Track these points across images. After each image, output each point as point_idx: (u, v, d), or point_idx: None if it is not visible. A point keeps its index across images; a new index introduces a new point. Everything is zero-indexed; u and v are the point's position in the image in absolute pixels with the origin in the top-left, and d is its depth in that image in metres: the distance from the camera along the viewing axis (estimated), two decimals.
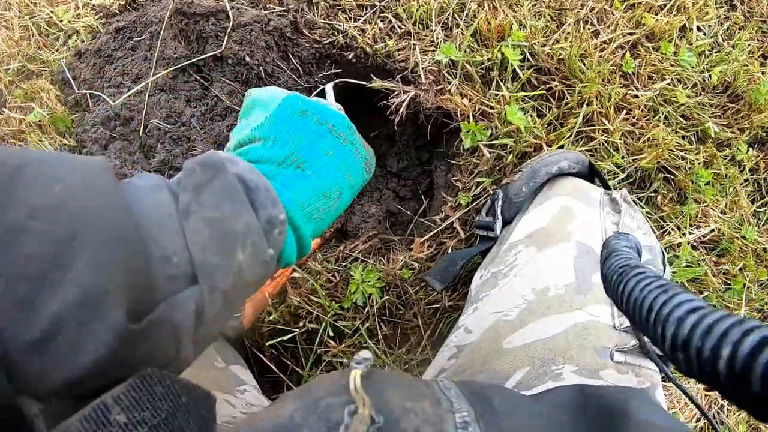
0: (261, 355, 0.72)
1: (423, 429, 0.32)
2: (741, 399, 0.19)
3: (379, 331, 0.76)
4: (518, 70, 0.75)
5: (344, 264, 0.75)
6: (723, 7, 0.88)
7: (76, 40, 0.92)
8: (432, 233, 0.74)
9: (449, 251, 0.73)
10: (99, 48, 0.84)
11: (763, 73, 0.84)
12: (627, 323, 0.49)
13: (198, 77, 0.73)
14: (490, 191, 0.72)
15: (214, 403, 0.34)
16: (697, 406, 0.50)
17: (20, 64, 0.93)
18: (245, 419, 0.39)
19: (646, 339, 0.47)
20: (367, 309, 0.73)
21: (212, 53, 0.71)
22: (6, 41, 0.95)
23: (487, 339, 0.54)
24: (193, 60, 0.72)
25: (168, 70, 0.73)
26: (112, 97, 0.76)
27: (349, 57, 0.77)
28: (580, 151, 0.75)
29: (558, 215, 0.58)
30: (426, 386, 0.38)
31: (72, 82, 0.85)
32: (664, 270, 0.59)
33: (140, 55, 0.79)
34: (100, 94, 0.79)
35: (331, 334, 0.71)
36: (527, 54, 0.76)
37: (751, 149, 0.82)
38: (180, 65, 0.73)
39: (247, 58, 0.72)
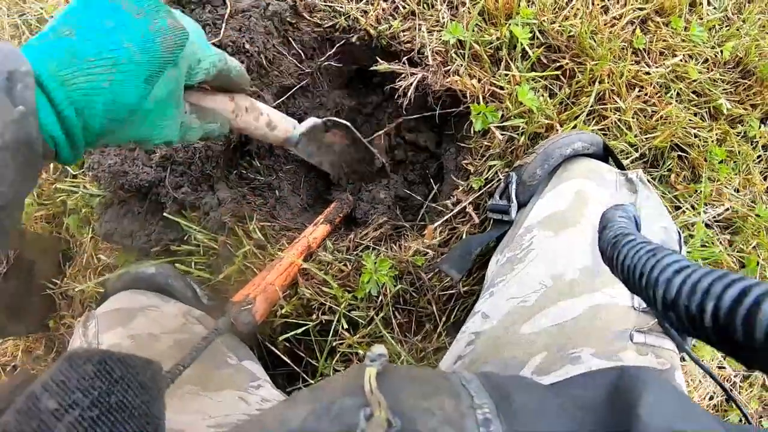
0: (275, 349, 0.71)
1: (442, 430, 0.31)
2: (730, 349, 0.20)
3: (393, 320, 0.75)
4: (528, 49, 0.73)
5: (356, 253, 0.74)
6: None
7: None
8: (444, 219, 0.72)
9: (463, 236, 0.72)
10: None
11: None
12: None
13: None
14: (502, 174, 0.71)
15: (159, 369, 0.33)
16: (718, 383, 0.50)
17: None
18: (254, 420, 0.37)
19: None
20: (380, 298, 0.72)
21: (210, 42, 0.69)
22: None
23: (504, 325, 0.53)
24: None
25: None
26: None
27: (353, 40, 0.75)
28: (592, 130, 0.74)
29: (573, 198, 0.57)
30: (444, 379, 0.37)
31: None
32: (680, 250, 0.58)
33: None
34: None
35: (345, 325, 0.70)
36: (536, 32, 0.74)
37: (763, 126, 0.81)
38: None
39: (247, 45, 0.69)
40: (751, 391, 0.86)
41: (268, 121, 0.56)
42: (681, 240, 0.58)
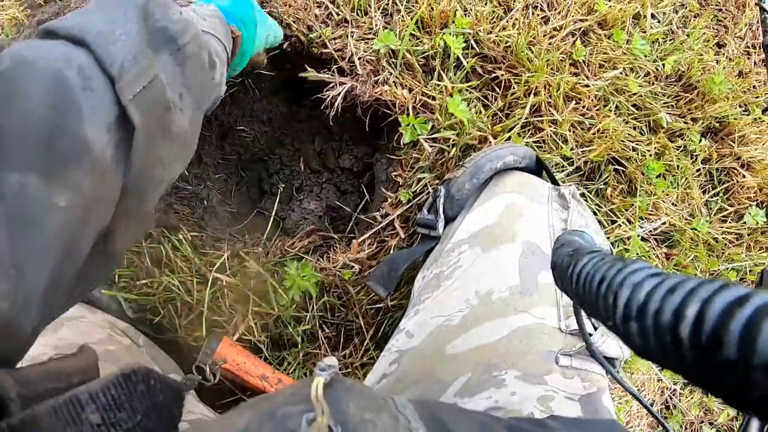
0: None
1: None
2: (709, 372, 0.15)
3: (321, 333, 0.73)
4: (462, 59, 0.71)
5: (281, 262, 0.72)
6: None
7: None
8: (372, 231, 0.71)
9: (391, 250, 0.70)
10: None
11: (717, 62, 0.82)
12: (573, 326, 0.47)
13: None
14: (431, 188, 0.69)
15: (184, 399, 0.34)
16: (644, 405, 0.49)
17: None
18: (197, 427, 0.37)
19: (592, 339, 0.46)
20: (307, 314, 0.70)
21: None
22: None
23: (429, 344, 0.52)
24: None
25: None
26: None
27: (284, 46, 0.73)
28: (527, 143, 0.72)
29: (504, 213, 0.56)
30: (384, 401, 0.37)
31: None
32: None
33: None
34: None
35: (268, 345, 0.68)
36: (472, 42, 0.72)
37: (703, 139, 0.80)
38: None
39: None
40: (691, 398, 0.86)
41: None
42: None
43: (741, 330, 0.14)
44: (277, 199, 0.80)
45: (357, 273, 0.71)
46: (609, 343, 0.48)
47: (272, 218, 0.76)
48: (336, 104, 0.68)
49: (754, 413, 0.15)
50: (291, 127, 0.87)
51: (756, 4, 0.69)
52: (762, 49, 0.58)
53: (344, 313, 0.72)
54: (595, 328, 0.49)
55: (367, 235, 0.70)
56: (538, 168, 0.67)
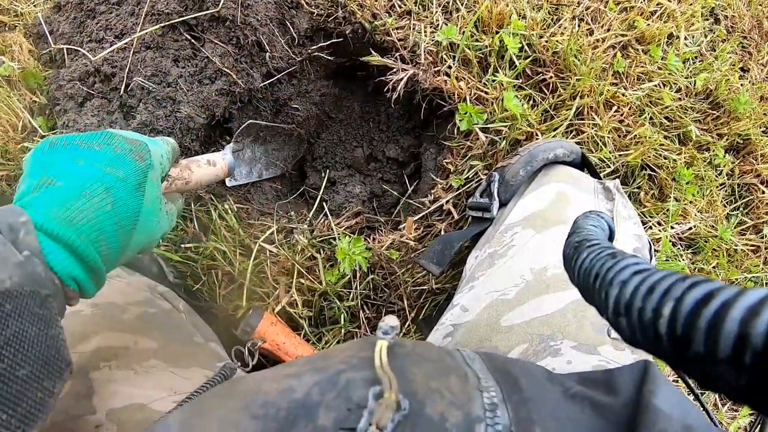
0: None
1: (449, 413, 0.29)
2: (685, 363, 0.17)
3: (361, 313, 0.74)
4: (515, 59, 0.75)
5: (327, 241, 0.73)
6: (708, 20, 0.92)
7: None
8: (420, 215, 0.73)
9: (440, 233, 0.72)
10: (80, 1, 0.79)
11: (741, 84, 0.88)
12: None
13: (189, 36, 0.70)
14: (482, 175, 0.72)
15: (46, 296, 0.33)
16: (687, 385, 0.51)
17: None
18: (248, 382, 0.34)
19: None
20: (352, 291, 0.71)
21: (210, 11, 0.68)
22: None
23: (484, 317, 0.53)
24: (187, 17, 0.69)
25: (157, 26, 0.69)
26: (93, 52, 0.71)
27: (347, 31, 0.76)
28: None
29: (555, 200, 0.59)
30: (451, 358, 0.36)
31: (48, 36, 0.80)
32: (651, 260, 0.60)
33: (127, 10, 0.75)
34: (79, 49, 0.74)
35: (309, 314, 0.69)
36: (524, 44, 0.76)
37: (727, 155, 0.86)
38: (171, 22, 0.69)
39: (246, 20, 0.69)
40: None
41: (207, 160, 0.56)
42: (652, 250, 0.61)
43: (706, 327, 0.15)
44: (325, 180, 0.81)
45: (402, 255, 0.73)
46: None
47: (319, 197, 0.77)
48: (399, 89, 0.70)
49: (723, 393, 0.16)
50: (341, 112, 0.89)
51: None
52: None
53: (387, 294, 0.74)
54: None
55: (417, 218, 0.72)
56: (582, 165, 0.71)
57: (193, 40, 0.70)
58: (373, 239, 0.74)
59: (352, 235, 0.73)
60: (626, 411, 0.33)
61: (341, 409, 0.28)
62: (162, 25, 0.69)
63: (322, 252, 0.72)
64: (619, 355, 0.46)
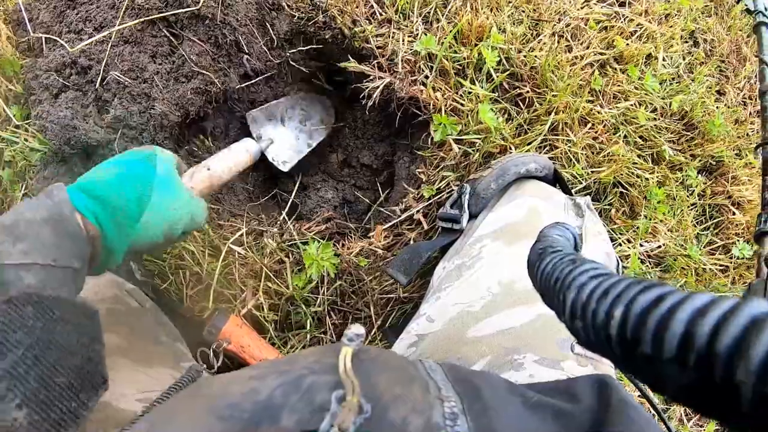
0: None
1: (411, 419, 0.30)
2: (634, 365, 0.17)
3: (328, 319, 0.74)
4: (492, 72, 0.76)
5: (296, 245, 0.73)
6: (687, 42, 0.93)
7: None
8: (391, 223, 0.73)
9: (409, 243, 0.72)
10: None
11: (717, 107, 0.90)
12: None
13: (168, 33, 0.70)
14: (454, 186, 0.72)
15: (95, 313, 0.35)
16: (648, 400, 0.52)
17: None
18: (214, 384, 0.35)
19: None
20: (318, 296, 0.71)
21: (190, 9, 0.68)
22: None
23: (450, 329, 0.54)
24: (166, 14, 0.69)
25: (136, 21, 0.69)
26: (71, 43, 0.71)
27: (326, 36, 0.76)
28: None
29: (526, 214, 0.59)
30: (413, 367, 0.37)
31: (27, 23, 0.79)
32: (619, 272, 0.60)
33: (107, 2, 0.75)
34: (58, 39, 0.74)
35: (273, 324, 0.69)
36: (503, 58, 0.77)
37: (700, 175, 0.87)
38: (150, 17, 0.69)
39: (225, 20, 0.69)
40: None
41: (225, 150, 0.62)
42: (620, 267, 0.61)
43: (654, 328, 0.16)
44: (297, 184, 0.81)
45: (371, 263, 0.73)
46: None
47: (290, 201, 0.77)
48: (374, 96, 0.71)
49: (682, 404, 0.16)
50: None
51: (755, 56, 0.77)
52: (758, 97, 0.64)
53: (354, 301, 0.74)
54: None
55: (386, 226, 0.72)
56: (554, 180, 0.71)
57: (171, 37, 0.70)
58: (342, 245, 0.73)
59: (321, 240, 0.73)
60: (588, 416, 0.34)
61: (304, 411, 0.29)
62: (141, 20, 0.69)
63: (290, 256, 0.72)
64: (582, 371, 0.47)
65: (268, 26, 0.74)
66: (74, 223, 0.40)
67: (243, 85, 0.74)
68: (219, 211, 0.76)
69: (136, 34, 0.70)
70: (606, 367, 0.50)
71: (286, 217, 0.77)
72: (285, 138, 0.80)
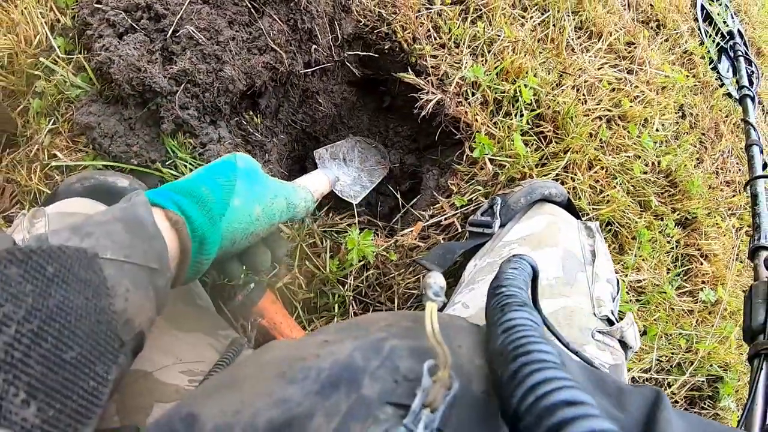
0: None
1: (493, 393, 0.27)
2: None
3: (350, 308, 0.78)
4: (523, 109, 0.86)
5: (331, 233, 0.78)
6: (678, 113, 1.09)
7: None
8: (424, 225, 0.79)
9: (436, 244, 0.79)
10: None
11: (695, 172, 1.05)
12: (604, 312, 0.58)
13: (250, 3, 0.73)
14: (482, 200, 0.80)
15: (94, 255, 0.29)
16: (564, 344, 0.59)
17: None
18: (283, 347, 0.32)
19: (619, 325, 0.57)
20: (348, 281, 0.76)
21: None
22: None
23: (483, 314, 0.59)
24: None
25: None
26: None
27: (385, 47, 0.83)
28: None
29: (547, 227, 0.68)
30: (478, 328, 0.35)
31: None
32: (617, 293, 0.70)
33: None
34: None
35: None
36: (533, 98, 0.88)
37: (677, 227, 1.00)
38: None
39: (307, 7, 0.73)
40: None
41: (314, 176, 0.69)
42: (618, 284, 0.71)
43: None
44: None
45: (399, 258, 0.78)
46: (630, 332, 0.60)
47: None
48: (428, 107, 0.78)
49: None
50: (352, 120, 0.96)
51: (742, 120, 0.93)
52: (743, 134, 0.78)
53: (378, 293, 0.78)
54: (618, 320, 0.61)
55: (422, 225, 0.79)
56: (568, 207, 0.81)
57: (252, 9, 0.73)
58: (373, 240, 0.79)
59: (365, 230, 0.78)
60: (637, 430, 0.31)
61: (387, 379, 0.26)
62: None
63: (325, 241, 0.76)
64: (600, 354, 0.54)
65: (337, 24, 0.81)
66: (150, 223, 0.35)
67: (305, 71, 0.79)
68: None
69: None
70: (619, 353, 0.58)
71: (349, 197, 0.81)
72: (348, 176, 0.88)
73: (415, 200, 0.88)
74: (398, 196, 0.90)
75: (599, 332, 0.55)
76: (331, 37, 0.80)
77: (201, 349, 0.53)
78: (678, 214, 1.00)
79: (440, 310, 0.29)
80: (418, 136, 0.98)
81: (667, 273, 0.97)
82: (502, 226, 0.72)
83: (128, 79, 0.65)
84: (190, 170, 0.71)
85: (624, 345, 0.58)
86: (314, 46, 0.78)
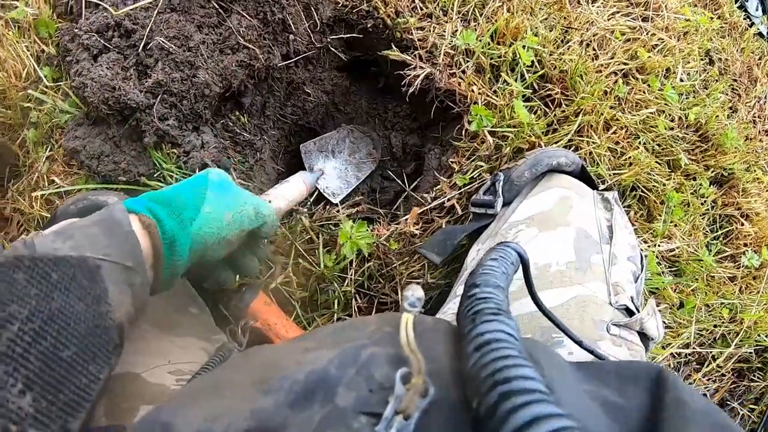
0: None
1: (472, 399, 0.27)
2: None
3: (354, 303, 0.74)
4: (525, 72, 0.78)
5: (325, 226, 0.74)
6: (704, 60, 0.98)
7: None
8: (423, 209, 0.74)
9: (440, 228, 0.74)
10: None
11: (729, 123, 0.94)
12: (622, 301, 0.52)
13: (216, 4, 0.70)
14: (486, 177, 0.74)
15: (95, 265, 0.31)
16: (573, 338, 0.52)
17: None
18: (261, 354, 0.33)
19: (638, 316, 0.50)
20: (347, 277, 0.72)
21: None
22: None
23: None
24: None
25: None
26: (115, 7, 0.71)
27: (368, 25, 0.78)
28: None
29: (558, 203, 0.61)
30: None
31: None
32: (642, 270, 0.62)
33: None
34: (101, 2, 0.74)
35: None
36: (535, 60, 0.80)
37: (712, 186, 0.90)
38: None
39: None
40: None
41: (283, 181, 0.65)
42: (643, 261, 0.63)
43: (500, 416, 0.18)
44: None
45: (401, 247, 0.73)
46: (651, 323, 0.53)
47: (321, 187, 0.78)
48: (416, 84, 0.72)
49: None
50: (348, 105, 0.91)
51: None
52: None
53: (381, 285, 0.74)
54: (638, 310, 0.54)
55: (420, 211, 0.73)
56: (581, 176, 0.74)
57: (220, 9, 0.70)
58: (372, 230, 0.74)
59: (358, 221, 0.74)
60: (637, 414, 0.31)
61: (363, 388, 0.26)
62: None
63: (320, 236, 0.73)
64: (616, 351, 0.48)
65: (313, 10, 0.76)
66: (126, 224, 0.38)
67: (284, 63, 0.75)
68: (250, 187, 0.76)
69: (184, 3, 0.70)
70: (637, 347, 0.51)
71: (316, 201, 0.77)
72: (335, 170, 0.83)
73: (415, 183, 0.83)
74: (397, 180, 0.85)
75: (615, 325, 0.49)
76: (309, 24, 0.75)
77: (193, 352, 0.54)
78: (712, 172, 0.90)
79: (437, 306, 0.29)
80: (418, 115, 0.93)
81: (704, 238, 0.88)
82: (507, 204, 0.66)
83: (104, 100, 0.65)
84: (177, 181, 0.70)
85: (644, 336, 0.52)
86: (291, 36, 0.73)
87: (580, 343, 0.40)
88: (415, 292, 0.30)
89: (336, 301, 0.72)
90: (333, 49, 0.82)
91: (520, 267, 0.34)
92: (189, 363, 0.52)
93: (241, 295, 0.68)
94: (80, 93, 0.68)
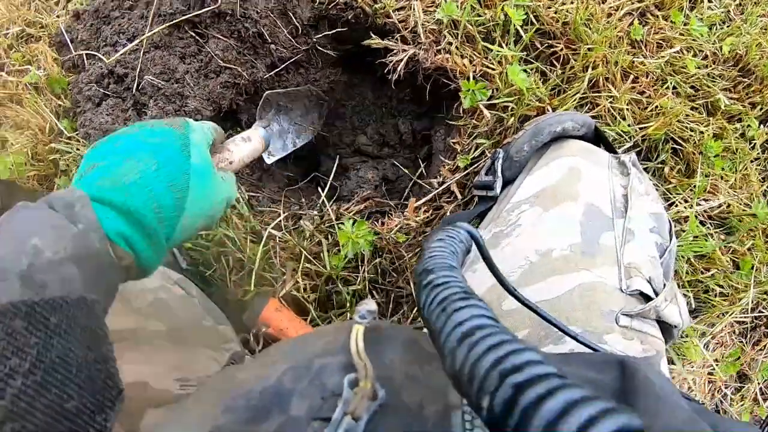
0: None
1: (427, 402, 0.28)
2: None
3: (369, 298, 0.73)
4: (521, 31, 0.72)
5: (332, 226, 0.73)
6: None
7: (75, 3, 0.91)
8: (428, 197, 0.71)
9: (447, 215, 0.70)
10: (96, 9, 0.83)
11: None
12: (634, 286, 0.46)
13: (193, 33, 0.72)
14: (489, 154, 0.70)
15: (95, 303, 0.29)
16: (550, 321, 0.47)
17: (20, 29, 0.92)
18: (227, 374, 0.35)
19: (655, 303, 0.45)
20: (359, 275, 0.71)
21: (210, 8, 0.70)
22: (6, 6, 0.95)
23: (486, 300, 0.51)
24: (189, 15, 0.71)
25: (163, 26, 0.71)
26: (107, 55, 0.75)
27: (349, 17, 0.75)
28: None
29: (565, 175, 0.56)
30: (429, 344, 0.34)
31: (69, 44, 0.84)
32: (671, 240, 0.56)
33: (137, 13, 0.78)
34: (96, 53, 0.78)
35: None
36: (531, 16, 0.74)
37: (762, 126, 0.79)
38: (175, 21, 0.71)
39: (245, 14, 0.70)
40: (742, 404, 0.82)
41: (241, 137, 0.57)
42: (672, 229, 0.56)
43: (519, 417, 0.16)
44: (335, 165, 0.81)
45: (411, 238, 0.71)
46: (671, 310, 0.47)
47: (329, 182, 0.77)
48: (399, 69, 0.69)
49: None
50: (352, 99, 0.90)
51: None
52: None
53: (395, 279, 0.72)
54: (656, 294, 0.47)
55: (423, 200, 0.71)
56: (595, 138, 0.67)
57: (197, 37, 0.72)
58: (382, 224, 0.73)
59: (358, 219, 0.73)
60: (613, 384, 0.31)
61: (315, 397, 0.27)
62: (167, 24, 0.72)
63: (329, 237, 0.72)
64: (627, 344, 0.43)
65: (290, 15, 0.75)
66: (106, 254, 0.33)
67: (270, 74, 0.75)
68: (259, 198, 0.77)
69: (164, 39, 0.72)
70: (653, 339, 0.46)
71: (326, 200, 0.77)
72: (279, 128, 0.80)
73: (421, 168, 0.80)
74: (403, 169, 0.82)
75: (625, 315, 0.43)
76: (289, 30, 0.75)
77: (201, 360, 0.56)
78: (760, 109, 0.78)
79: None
80: (421, 99, 0.89)
81: (759, 187, 0.77)
82: (508, 183, 0.61)
83: None
84: None
85: (665, 325, 0.46)
86: (273, 46, 0.73)
87: (575, 337, 0.36)
88: (366, 306, 0.31)
89: (348, 300, 0.71)
90: (321, 48, 0.81)
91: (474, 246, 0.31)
92: (197, 372, 0.53)
93: (251, 305, 0.69)
94: (89, 142, 0.72)
